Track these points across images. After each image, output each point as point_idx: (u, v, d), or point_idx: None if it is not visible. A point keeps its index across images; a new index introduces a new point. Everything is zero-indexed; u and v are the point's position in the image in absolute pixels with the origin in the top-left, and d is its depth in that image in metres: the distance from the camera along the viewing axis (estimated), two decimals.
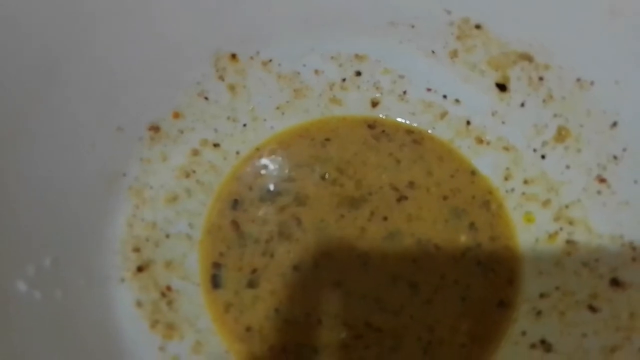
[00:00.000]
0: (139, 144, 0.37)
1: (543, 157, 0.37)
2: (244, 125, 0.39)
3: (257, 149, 0.39)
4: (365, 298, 0.34)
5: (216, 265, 0.36)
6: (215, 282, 0.36)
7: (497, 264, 0.35)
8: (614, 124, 0.34)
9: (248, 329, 0.34)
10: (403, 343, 0.33)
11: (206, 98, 0.39)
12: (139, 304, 0.33)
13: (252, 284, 0.36)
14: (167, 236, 0.36)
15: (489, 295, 0.34)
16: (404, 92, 0.40)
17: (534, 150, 0.37)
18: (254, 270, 0.36)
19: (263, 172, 0.39)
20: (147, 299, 0.33)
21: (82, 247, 0.32)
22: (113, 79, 0.35)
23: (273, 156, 0.40)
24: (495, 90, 0.39)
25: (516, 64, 0.38)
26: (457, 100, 0.40)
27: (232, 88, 0.39)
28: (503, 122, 0.39)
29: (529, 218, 0.36)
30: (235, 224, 0.37)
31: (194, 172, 0.38)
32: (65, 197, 0.32)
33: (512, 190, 0.37)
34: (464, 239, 0.36)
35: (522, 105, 0.38)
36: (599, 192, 0.34)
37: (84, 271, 0.32)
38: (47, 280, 0.29)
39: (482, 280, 0.35)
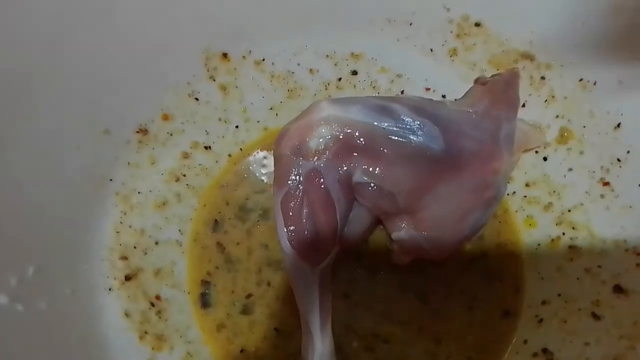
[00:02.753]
0: (126, 148, 0.35)
1: (545, 159, 0.36)
2: (236, 126, 0.38)
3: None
4: (374, 309, 0.33)
5: (205, 283, 0.35)
6: (204, 301, 0.34)
7: (502, 272, 0.34)
8: (618, 126, 0.33)
9: (242, 351, 0.33)
10: (411, 355, 0.33)
11: (196, 99, 0.37)
12: (127, 314, 0.32)
13: (246, 310, 0.34)
14: (156, 243, 0.35)
15: (494, 305, 0.33)
16: (402, 92, 0.39)
17: (536, 152, 0.36)
18: (249, 295, 0.35)
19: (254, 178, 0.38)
20: (136, 308, 0.32)
21: (67, 255, 0.31)
22: (99, 79, 0.34)
23: (265, 161, 0.38)
24: None
25: (517, 63, 0.36)
26: (456, 100, 0.39)
27: (223, 88, 0.38)
28: None
29: (530, 222, 0.35)
30: (220, 246, 0.36)
31: (184, 175, 0.37)
32: (49, 203, 0.31)
33: (514, 193, 0.36)
34: (469, 246, 0.35)
35: (524, 105, 0.37)
36: (602, 196, 0.33)
37: (70, 280, 0.30)
38: (30, 291, 0.28)
39: (488, 289, 0.34)
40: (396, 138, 0.29)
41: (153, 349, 0.31)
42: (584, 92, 0.34)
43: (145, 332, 0.32)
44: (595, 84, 0.34)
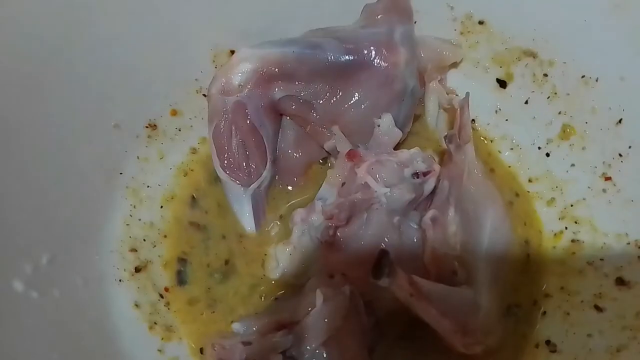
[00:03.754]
0: (136, 142, 0.36)
1: (548, 155, 0.37)
2: None
3: None
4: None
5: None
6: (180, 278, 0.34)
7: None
8: (619, 121, 0.33)
9: None
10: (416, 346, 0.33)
11: (205, 95, 0.38)
12: (137, 304, 0.32)
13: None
14: (165, 236, 0.35)
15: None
16: None
17: (539, 148, 0.37)
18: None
19: None
20: (145, 300, 0.33)
21: (79, 246, 0.32)
22: (109, 75, 0.34)
23: None
24: (499, 87, 0.38)
25: (520, 61, 0.37)
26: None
27: None
28: (507, 120, 0.38)
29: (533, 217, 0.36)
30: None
31: (192, 170, 0.37)
32: (61, 195, 0.31)
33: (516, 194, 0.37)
34: None
35: (526, 102, 0.37)
36: (604, 190, 0.34)
37: (81, 271, 0.31)
38: (44, 280, 0.28)
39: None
40: (305, 57, 0.33)
41: (162, 339, 0.32)
42: (586, 89, 0.35)
43: (155, 323, 0.32)
44: (597, 80, 0.34)
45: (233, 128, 0.34)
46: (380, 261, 0.25)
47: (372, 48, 0.33)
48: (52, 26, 0.32)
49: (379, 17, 0.34)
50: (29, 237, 0.28)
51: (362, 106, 0.34)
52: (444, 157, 0.35)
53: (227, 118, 0.34)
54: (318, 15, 0.37)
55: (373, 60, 0.33)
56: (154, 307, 0.33)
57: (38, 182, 0.30)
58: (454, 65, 0.38)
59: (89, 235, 0.32)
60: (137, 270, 0.34)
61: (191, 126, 0.38)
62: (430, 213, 0.31)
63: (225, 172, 0.34)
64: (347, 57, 0.33)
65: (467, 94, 0.33)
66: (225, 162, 0.34)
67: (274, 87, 0.34)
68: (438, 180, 0.32)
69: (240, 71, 0.33)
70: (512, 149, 0.38)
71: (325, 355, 0.28)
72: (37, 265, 0.28)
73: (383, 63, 0.33)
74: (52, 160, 0.31)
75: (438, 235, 0.31)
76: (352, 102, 0.34)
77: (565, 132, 0.36)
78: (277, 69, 0.33)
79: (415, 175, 0.32)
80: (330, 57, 0.33)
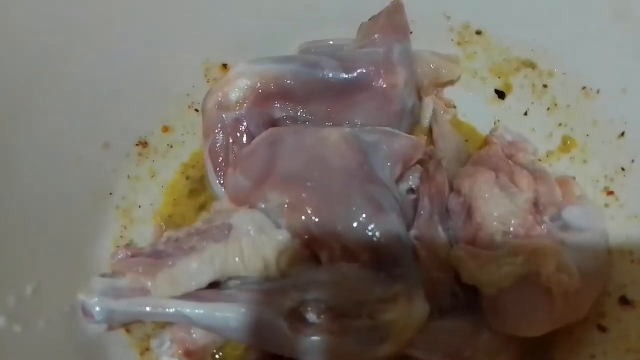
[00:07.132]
0: (126, 161, 0.35)
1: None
2: None
3: None
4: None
5: None
6: None
7: None
8: (622, 135, 0.32)
9: None
10: None
11: (196, 110, 0.37)
12: (128, 330, 0.32)
13: None
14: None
15: None
16: None
17: (539, 160, 0.36)
18: None
19: None
20: (137, 325, 0.32)
21: (67, 271, 0.31)
22: (98, 92, 0.34)
23: None
24: (498, 98, 0.37)
25: (519, 71, 0.36)
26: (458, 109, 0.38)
27: None
28: None
29: None
30: None
31: (183, 187, 0.37)
32: (47, 218, 0.30)
33: None
34: None
35: (526, 114, 0.37)
36: (606, 205, 0.33)
37: (69, 298, 0.30)
38: (29, 311, 0.28)
39: None
40: (303, 76, 0.33)
41: None
42: (587, 101, 0.34)
43: (147, 349, 0.31)
44: (598, 92, 0.33)
45: (231, 143, 0.33)
46: None
47: (370, 69, 0.32)
48: (40, 45, 0.31)
49: (376, 36, 0.33)
50: (12, 266, 0.27)
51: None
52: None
53: (224, 133, 0.33)
54: (312, 28, 0.36)
55: (372, 81, 0.33)
56: (146, 333, 0.32)
57: (22, 206, 0.29)
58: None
59: (77, 260, 0.31)
60: None
61: (183, 142, 0.38)
62: (411, 234, 0.29)
63: (224, 189, 0.33)
64: (345, 77, 0.33)
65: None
66: (224, 178, 0.33)
67: (272, 106, 0.33)
68: (418, 200, 0.31)
69: (238, 87, 0.33)
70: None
71: None
72: (21, 296, 0.27)
73: (382, 84, 0.33)
74: (37, 183, 0.30)
75: (430, 257, 0.30)
76: (350, 123, 0.33)
77: (566, 145, 0.35)
78: (274, 87, 0.33)
79: (411, 191, 0.31)
80: (329, 77, 0.33)
